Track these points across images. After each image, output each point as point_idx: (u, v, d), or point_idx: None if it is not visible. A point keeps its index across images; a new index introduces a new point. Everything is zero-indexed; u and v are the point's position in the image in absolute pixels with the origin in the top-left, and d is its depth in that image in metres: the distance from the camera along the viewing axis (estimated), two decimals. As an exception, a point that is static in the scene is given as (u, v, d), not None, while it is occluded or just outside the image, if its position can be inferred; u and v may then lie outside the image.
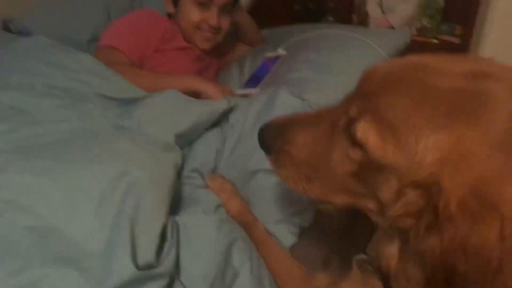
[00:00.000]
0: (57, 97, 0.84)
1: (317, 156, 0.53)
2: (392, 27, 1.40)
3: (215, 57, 1.40)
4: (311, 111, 0.59)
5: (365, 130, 0.45)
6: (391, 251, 0.50)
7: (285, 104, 0.94)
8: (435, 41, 1.32)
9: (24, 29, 1.57)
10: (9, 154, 0.66)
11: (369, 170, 0.47)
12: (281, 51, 1.30)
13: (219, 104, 1.00)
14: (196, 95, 1.06)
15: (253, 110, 0.98)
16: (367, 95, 0.47)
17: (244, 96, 1.22)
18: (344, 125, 0.50)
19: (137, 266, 0.56)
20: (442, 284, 0.40)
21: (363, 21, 1.46)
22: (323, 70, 1.11)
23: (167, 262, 0.59)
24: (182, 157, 0.89)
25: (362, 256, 0.61)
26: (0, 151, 0.68)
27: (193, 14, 1.21)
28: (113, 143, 0.72)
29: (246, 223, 0.80)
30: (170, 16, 1.30)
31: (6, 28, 1.67)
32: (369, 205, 0.51)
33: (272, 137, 0.58)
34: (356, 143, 0.46)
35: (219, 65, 1.44)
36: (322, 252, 0.86)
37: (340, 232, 0.93)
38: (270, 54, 1.33)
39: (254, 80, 1.25)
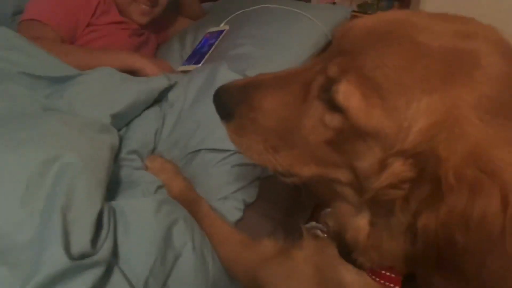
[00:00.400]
0: (-26, 76, 0.76)
1: (287, 123, 0.47)
2: (334, 3, 1.41)
3: (154, 32, 1.34)
4: (277, 72, 0.51)
5: (347, 92, 0.39)
6: (358, 223, 0.46)
7: (226, 80, 0.92)
8: (375, 15, 1.34)
9: None
10: None
11: (348, 137, 0.42)
12: (223, 26, 1.27)
13: (158, 82, 0.96)
14: (133, 72, 1.01)
15: (193, 87, 0.96)
16: (348, 53, 0.41)
17: (186, 72, 1.18)
18: (319, 87, 0.44)
19: (70, 256, 0.53)
20: (432, 259, 0.37)
21: (306, -4, 1.45)
22: (266, 45, 1.09)
23: (104, 250, 0.57)
24: (119, 139, 0.85)
25: (313, 224, 0.57)
26: None
27: None
28: (42, 126, 0.67)
29: (190, 202, 0.79)
30: None
31: None
32: (342, 176, 0.46)
33: (232, 102, 0.50)
34: (334, 107, 0.41)
35: (158, 40, 1.38)
36: (268, 225, 0.87)
37: (285, 205, 0.94)
38: (212, 29, 1.29)
39: (197, 56, 1.21)
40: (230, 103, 0.51)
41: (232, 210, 0.83)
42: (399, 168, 0.39)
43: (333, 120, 0.42)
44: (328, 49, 0.47)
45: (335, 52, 0.44)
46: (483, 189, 0.34)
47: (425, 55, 0.38)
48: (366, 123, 0.39)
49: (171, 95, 0.97)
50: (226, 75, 0.93)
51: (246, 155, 0.52)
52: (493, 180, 0.34)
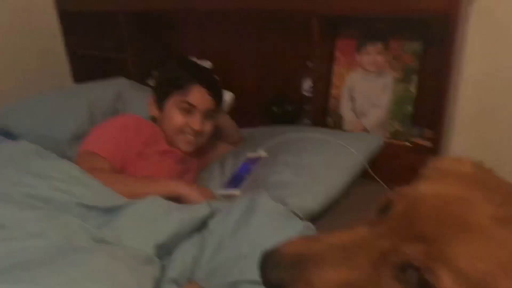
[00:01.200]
0: (36, 208, 0.82)
1: None
2: (366, 130, 1.48)
3: (197, 158, 1.42)
4: (329, 236, 0.48)
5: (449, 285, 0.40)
6: None
7: (266, 209, 0.94)
8: (408, 144, 1.39)
9: (3, 128, 1.58)
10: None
11: None
12: (262, 152, 1.34)
13: (200, 210, 0.99)
14: (178, 198, 1.06)
15: (234, 216, 0.98)
16: (430, 240, 0.42)
17: (226, 196, 1.22)
18: (394, 267, 0.43)
19: None
20: None
21: (338, 124, 1.54)
22: (303, 173, 1.14)
23: None
24: (160, 269, 0.85)
25: None
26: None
27: (177, 118, 1.25)
28: (91, 262, 0.69)
29: None
30: (153, 119, 1.33)
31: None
32: None
33: (285, 281, 0.45)
34: None
35: (200, 165, 1.46)
36: None
37: None
38: (251, 155, 1.36)
39: (236, 181, 1.26)
40: (282, 283, 0.45)
41: None
42: None
43: None
44: (388, 217, 0.47)
45: (408, 233, 0.44)
46: None
47: (499, 244, 0.41)
48: None
49: (212, 223, 0.99)
50: (266, 205, 0.95)
51: None
52: None
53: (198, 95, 1.25)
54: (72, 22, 2.05)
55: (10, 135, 1.55)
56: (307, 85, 1.59)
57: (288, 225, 0.90)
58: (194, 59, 1.86)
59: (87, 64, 2.13)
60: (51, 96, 1.66)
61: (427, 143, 1.36)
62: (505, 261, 0.40)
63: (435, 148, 1.31)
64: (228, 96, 1.68)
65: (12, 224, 0.79)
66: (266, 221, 0.90)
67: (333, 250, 0.45)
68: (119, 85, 1.67)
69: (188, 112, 1.25)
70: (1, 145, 1.14)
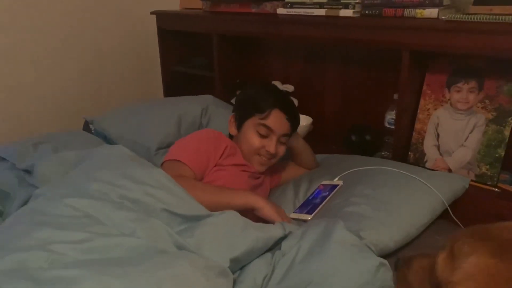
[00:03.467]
0: (129, 209, 0.90)
1: None
2: (449, 170, 1.41)
3: (269, 176, 1.46)
4: None
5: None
6: None
7: (341, 240, 0.94)
8: (496, 190, 1.30)
9: (101, 131, 1.74)
10: (82, 268, 0.70)
11: None
12: (337, 181, 1.34)
13: (275, 231, 1.01)
14: (252, 210, 1.11)
15: (307, 241, 0.98)
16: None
17: (297, 220, 1.24)
18: None
19: None
20: None
21: (419, 160, 1.49)
22: (381, 208, 1.11)
23: None
24: (232, 282, 0.89)
25: None
26: (75, 261, 0.72)
27: (254, 140, 1.31)
28: (175, 267, 0.75)
29: None
30: (231, 137, 1.41)
31: (86, 128, 1.86)
32: None
33: None
34: None
35: (271, 184, 1.49)
36: None
37: None
38: (326, 182, 1.36)
39: (309, 206, 1.27)
40: None
41: None
42: None
43: None
44: None
45: None
46: None
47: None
48: None
49: (284, 244, 1.01)
50: (342, 234, 0.95)
51: None
52: None
53: (276, 120, 1.29)
54: (168, 40, 2.22)
55: (107, 139, 1.71)
56: (390, 117, 1.56)
57: (363, 258, 0.89)
58: (278, 83, 1.92)
59: (178, 80, 2.28)
60: (145, 106, 1.81)
61: (518, 192, 1.27)
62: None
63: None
64: (306, 121, 1.71)
65: (108, 221, 0.87)
66: (341, 252, 0.90)
67: None
68: (206, 101, 1.77)
69: (265, 136, 1.30)
70: (101, 147, 1.26)
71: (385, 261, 0.89)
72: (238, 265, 0.95)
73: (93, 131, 1.79)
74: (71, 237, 0.80)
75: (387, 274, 0.87)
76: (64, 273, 0.69)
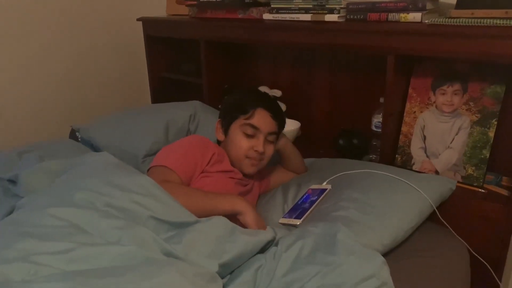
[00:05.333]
0: (115, 217, 0.89)
1: None
2: (436, 172, 1.43)
3: (258, 181, 1.46)
4: None
5: None
6: None
7: (346, 237, 0.95)
8: (482, 190, 1.31)
9: (88, 139, 1.72)
10: (64, 281, 0.68)
11: None
12: (326, 185, 1.34)
13: (265, 236, 1.01)
14: (234, 215, 1.11)
15: (311, 237, 0.98)
16: None
17: (287, 225, 1.23)
18: None
19: None
20: None
21: (406, 162, 1.50)
22: (369, 212, 1.12)
23: None
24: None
25: None
26: (58, 273, 0.70)
27: (241, 143, 1.30)
28: (162, 276, 0.73)
29: None
30: (218, 143, 1.40)
31: (72, 136, 1.84)
32: None
33: None
34: None
35: (260, 189, 1.49)
36: None
37: None
38: (315, 186, 1.36)
39: (298, 211, 1.27)
40: None
41: None
42: None
43: None
44: None
45: None
46: None
47: None
48: None
49: (282, 242, 0.99)
50: (346, 233, 0.96)
51: None
52: None
53: (261, 118, 1.30)
54: (156, 46, 2.22)
55: (94, 147, 1.69)
56: (376, 120, 1.57)
57: (369, 253, 0.91)
58: (266, 88, 1.93)
59: (165, 86, 2.27)
60: (132, 113, 1.80)
61: (503, 191, 1.28)
62: None
63: (512, 197, 1.23)
64: (294, 125, 1.72)
65: (93, 230, 0.86)
66: (348, 246, 0.92)
67: None
68: (194, 107, 1.76)
69: (252, 136, 1.30)
70: (86, 154, 1.24)
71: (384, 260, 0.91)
72: (228, 270, 0.94)
73: (79, 139, 1.77)
74: (54, 247, 0.78)
75: (388, 272, 0.89)
76: (46, 287, 0.67)
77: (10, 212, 1.09)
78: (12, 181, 1.25)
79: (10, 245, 0.78)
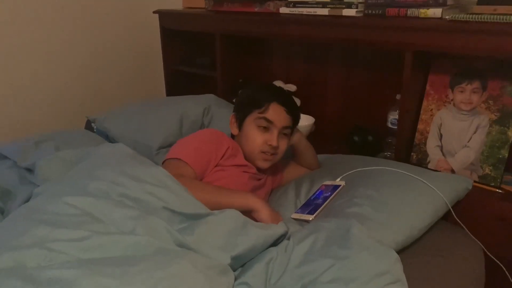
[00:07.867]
0: (129, 207, 0.90)
1: None
2: (452, 171, 1.40)
3: (271, 176, 1.45)
4: None
5: None
6: None
7: (360, 232, 0.95)
8: (499, 191, 1.29)
9: (103, 130, 1.74)
10: (79, 268, 0.69)
11: None
12: (339, 181, 1.33)
13: (277, 229, 1.01)
14: (248, 212, 1.10)
15: (324, 232, 0.99)
16: None
17: (299, 220, 1.23)
18: None
19: None
20: None
21: (422, 161, 1.48)
22: (383, 210, 1.10)
23: None
24: (233, 281, 0.88)
25: None
26: (73, 260, 0.71)
27: (256, 136, 1.30)
28: (175, 267, 0.74)
29: None
30: (233, 136, 1.40)
31: (88, 126, 1.86)
32: None
33: None
34: None
35: (273, 184, 1.49)
36: None
37: None
38: (328, 182, 1.35)
39: (311, 206, 1.26)
40: None
41: None
42: None
43: None
44: None
45: None
46: None
47: None
48: None
49: (295, 236, 1.00)
50: (360, 228, 0.96)
51: None
52: None
53: (275, 112, 1.29)
54: (171, 39, 2.22)
55: (109, 138, 1.71)
56: (392, 117, 1.55)
57: (384, 249, 0.91)
58: (280, 83, 1.92)
59: (180, 79, 2.28)
60: (147, 105, 1.81)
61: (521, 192, 1.26)
62: None
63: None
64: (308, 120, 1.70)
65: (107, 219, 0.87)
66: (362, 241, 0.92)
67: None
68: (208, 100, 1.76)
69: (266, 130, 1.29)
70: (101, 145, 1.25)
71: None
72: (240, 263, 0.95)
73: (95, 130, 1.79)
74: (69, 235, 0.79)
75: (401, 269, 0.89)
76: (61, 274, 0.68)
77: (27, 200, 1.11)
78: (29, 170, 1.27)
79: (26, 232, 0.79)
